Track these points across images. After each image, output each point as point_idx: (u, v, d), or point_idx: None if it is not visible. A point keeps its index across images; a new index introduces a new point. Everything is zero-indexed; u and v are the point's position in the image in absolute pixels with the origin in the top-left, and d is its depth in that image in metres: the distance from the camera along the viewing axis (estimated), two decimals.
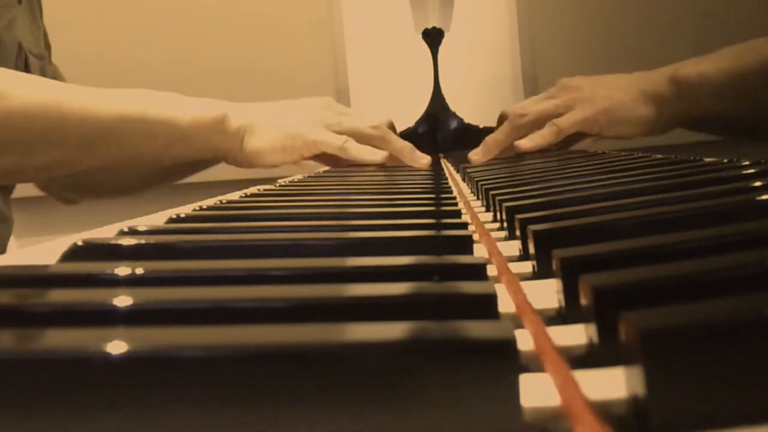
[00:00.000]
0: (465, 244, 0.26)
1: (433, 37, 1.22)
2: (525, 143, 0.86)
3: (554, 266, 0.21)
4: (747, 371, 0.12)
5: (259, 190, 0.57)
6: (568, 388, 0.14)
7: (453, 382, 0.13)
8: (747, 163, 0.41)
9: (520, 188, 0.43)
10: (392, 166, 0.84)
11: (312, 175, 0.79)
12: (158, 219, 0.38)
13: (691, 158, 0.51)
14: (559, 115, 0.86)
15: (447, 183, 0.60)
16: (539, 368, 0.16)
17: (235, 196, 0.52)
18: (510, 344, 0.13)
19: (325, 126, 0.83)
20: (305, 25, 1.51)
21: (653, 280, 0.17)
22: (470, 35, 1.45)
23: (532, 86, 1.44)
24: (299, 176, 0.79)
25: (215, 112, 0.79)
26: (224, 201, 0.46)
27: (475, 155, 0.87)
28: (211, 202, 0.47)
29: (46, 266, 0.24)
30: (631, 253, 0.20)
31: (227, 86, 1.44)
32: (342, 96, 1.48)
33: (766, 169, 0.37)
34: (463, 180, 0.68)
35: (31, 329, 0.16)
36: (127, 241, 0.27)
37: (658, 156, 0.58)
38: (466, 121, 1.22)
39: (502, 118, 0.92)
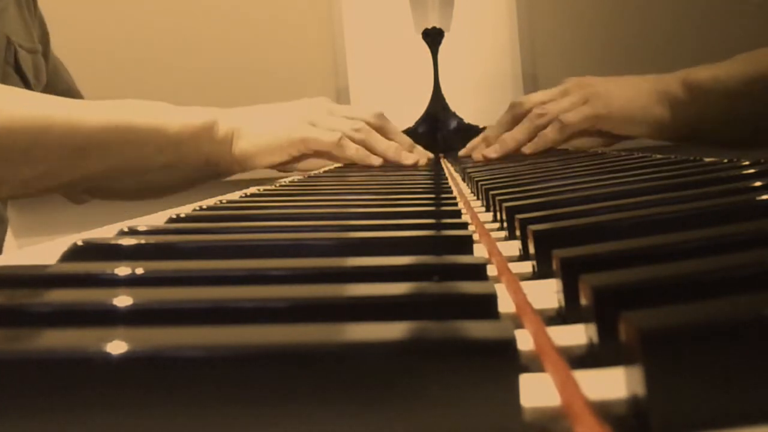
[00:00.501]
0: (465, 244, 0.26)
1: (433, 37, 1.22)
2: (529, 148, 0.86)
3: (554, 266, 0.21)
4: (747, 371, 0.12)
5: (259, 190, 0.57)
6: (568, 388, 0.14)
7: (453, 382, 0.13)
8: (747, 163, 0.41)
9: (520, 188, 0.43)
10: (392, 166, 0.84)
11: (312, 175, 0.79)
12: (158, 219, 0.38)
13: (691, 158, 0.51)
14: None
15: (447, 183, 0.60)
16: (539, 368, 0.16)
17: (235, 196, 0.52)
18: (510, 344, 0.13)
19: (310, 123, 0.83)
20: (305, 25, 1.51)
21: (653, 280, 0.17)
22: (470, 35, 1.45)
23: (532, 86, 1.44)
24: (299, 176, 0.79)
25: (204, 118, 0.79)
26: (224, 201, 0.46)
27: (493, 152, 0.86)
28: (211, 202, 0.47)
29: (46, 266, 0.24)
30: (631, 253, 0.20)
31: (227, 86, 1.44)
32: (342, 96, 1.48)
33: (766, 169, 0.37)
34: (463, 180, 0.68)
35: (31, 329, 0.16)
36: (127, 241, 0.27)
37: (658, 156, 0.58)
38: (466, 121, 1.22)
39: (514, 110, 0.90)
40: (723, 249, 0.20)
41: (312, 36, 1.50)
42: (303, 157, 0.84)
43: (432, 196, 0.45)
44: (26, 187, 0.73)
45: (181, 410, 0.13)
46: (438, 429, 0.13)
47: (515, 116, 0.89)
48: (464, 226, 0.31)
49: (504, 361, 0.13)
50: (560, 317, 0.20)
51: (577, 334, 0.18)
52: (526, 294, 0.21)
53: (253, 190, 0.58)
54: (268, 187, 0.60)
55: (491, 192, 0.41)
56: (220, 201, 0.46)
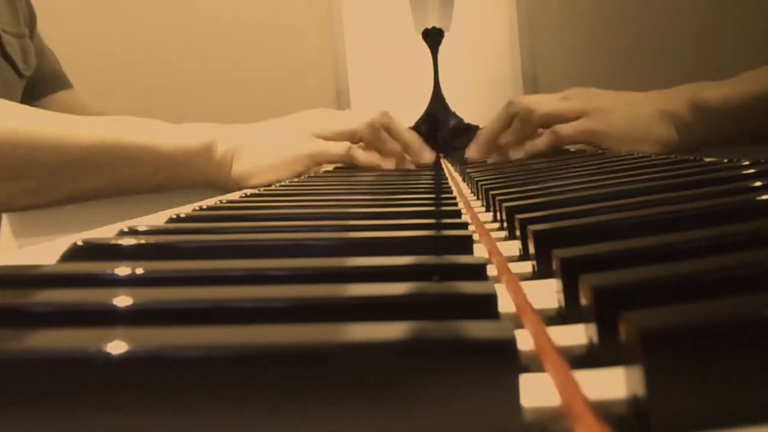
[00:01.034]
0: (465, 244, 0.26)
1: (433, 37, 1.22)
2: (518, 155, 0.83)
3: (554, 266, 0.21)
4: (747, 371, 0.12)
5: (259, 190, 0.57)
6: (568, 388, 0.14)
7: (453, 382, 0.13)
8: (747, 163, 0.41)
9: (520, 188, 0.43)
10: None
11: (312, 175, 0.79)
12: (158, 219, 0.38)
13: (691, 158, 0.51)
14: (571, 119, 0.82)
15: (447, 183, 0.60)
16: (539, 368, 0.16)
17: (235, 196, 0.52)
18: (510, 344, 0.13)
19: (316, 134, 0.80)
20: (305, 25, 1.51)
21: (653, 280, 0.17)
22: (470, 35, 1.45)
23: (532, 86, 1.44)
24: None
25: (202, 139, 0.77)
26: (224, 201, 0.46)
27: (474, 152, 0.84)
28: (211, 202, 0.47)
29: (46, 266, 0.24)
30: (631, 253, 0.20)
31: (227, 86, 1.44)
32: (342, 96, 1.48)
33: (766, 169, 0.37)
34: (463, 180, 0.68)
35: (31, 329, 0.16)
36: (127, 241, 0.27)
37: (658, 156, 0.58)
38: (466, 121, 1.22)
39: (508, 108, 0.86)
40: (723, 249, 0.20)
41: (312, 36, 1.50)
42: (310, 170, 0.82)
43: (432, 196, 0.45)
44: (10, 203, 0.72)
45: (181, 410, 0.13)
46: (438, 429, 0.13)
47: (510, 115, 0.86)
48: (464, 226, 0.31)
49: (504, 361, 0.13)
50: (560, 317, 0.20)
51: (577, 334, 0.18)
52: (526, 294, 0.21)
53: (253, 190, 0.58)
54: (268, 187, 0.60)
55: (491, 192, 0.41)
56: (220, 201, 0.46)
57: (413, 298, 0.18)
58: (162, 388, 0.13)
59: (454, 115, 1.22)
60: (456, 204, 0.40)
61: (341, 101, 1.46)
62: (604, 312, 0.16)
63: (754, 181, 0.33)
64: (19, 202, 0.72)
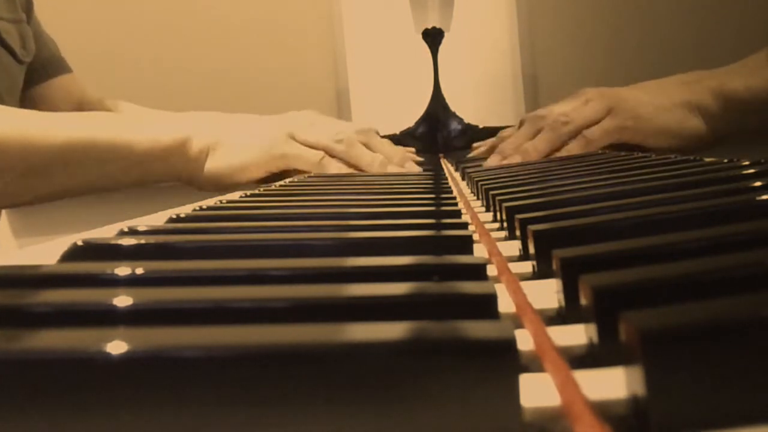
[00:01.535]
0: (465, 244, 0.26)
1: (433, 37, 1.22)
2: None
3: (554, 266, 0.21)
4: (747, 371, 0.12)
5: (259, 190, 0.57)
6: (568, 388, 0.14)
7: (453, 382, 0.13)
8: (747, 163, 0.41)
9: (520, 188, 0.43)
10: None
11: (312, 175, 0.79)
12: (158, 219, 0.38)
13: (691, 158, 0.51)
14: (600, 120, 0.77)
15: (447, 183, 0.60)
16: (539, 368, 0.16)
17: (235, 196, 0.52)
18: (510, 344, 0.13)
19: (291, 136, 0.77)
20: (305, 25, 1.51)
21: (653, 280, 0.17)
22: (470, 35, 1.45)
23: (532, 86, 1.44)
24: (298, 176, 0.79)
25: (176, 134, 0.74)
26: (224, 201, 0.46)
27: (515, 162, 0.77)
28: (211, 202, 0.47)
29: (46, 266, 0.24)
30: (631, 253, 0.20)
31: (227, 86, 1.44)
32: (342, 96, 1.48)
33: (766, 169, 0.37)
34: (463, 180, 0.68)
35: (31, 329, 0.16)
36: (127, 241, 0.27)
37: (658, 156, 0.58)
38: (466, 121, 1.22)
39: (536, 123, 0.80)
40: (723, 249, 0.20)
41: (312, 37, 1.50)
42: (285, 173, 0.78)
43: (432, 196, 0.45)
44: None
45: (181, 410, 0.13)
46: (438, 429, 0.13)
47: (538, 130, 0.81)
48: (464, 226, 0.31)
49: (504, 361, 0.13)
50: (560, 317, 0.20)
51: (577, 334, 0.18)
52: (526, 294, 0.21)
53: (253, 190, 0.58)
54: (268, 187, 0.60)
55: (491, 192, 0.41)
56: (220, 201, 0.46)
57: (413, 298, 0.18)
58: (162, 388, 0.13)
59: (454, 115, 1.22)
60: (456, 204, 0.40)
61: (341, 101, 1.46)
62: (604, 312, 0.16)
63: (754, 181, 0.33)
64: None
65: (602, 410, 0.13)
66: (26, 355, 0.14)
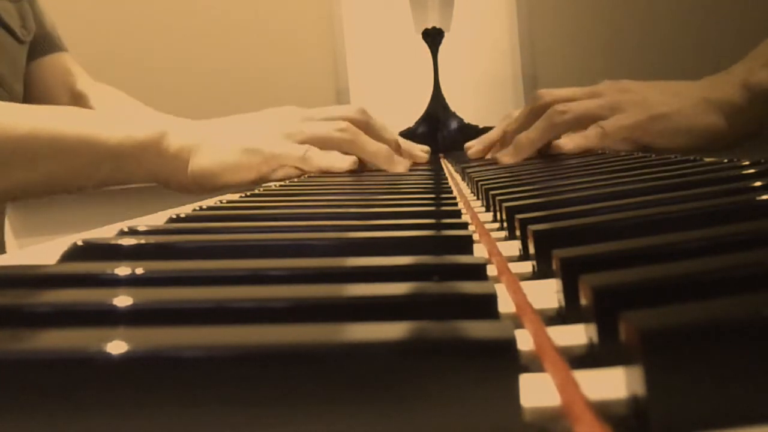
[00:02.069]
0: (465, 244, 0.26)
1: (433, 37, 1.22)
2: (566, 144, 0.76)
3: (554, 266, 0.21)
4: (747, 371, 0.12)
5: (259, 190, 0.57)
6: (568, 388, 0.14)
7: (453, 382, 0.13)
8: (747, 163, 0.41)
9: (520, 188, 0.43)
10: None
11: (312, 175, 0.79)
12: (158, 219, 0.38)
13: (691, 158, 0.51)
14: (603, 117, 0.75)
15: (447, 183, 0.60)
16: (539, 368, 0.16)
17: (235, 196, 0.52)
18: (510, 344, 0.13)
19: (285, 135, 0.73)
20: (305, 25, 1.51)
21: (653, 280, 0.17)
22: (470, 35, 1.45)
23: (532, 86, 1.44)
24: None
25: (150, 130, 0.70)
26: (224, 201, 0.46)
27: (505, 156, 0.76)
28: (211, 202, 0.47)
29: (46, 266, 0.24)
30: (631, 253, 0.20)
31: (227, 86, 1.44)
32: (342, 96, 1.48)
33: (766, 169, 0.37)
34: (463, 180, 0.68)
35: (31, 329, 0.16)
36: (127, 241, 0.27)
37: (658, 156, 0.58)
38: (466, 121, 1.22)
39: (532, 103, 0.79)
40: (723, 249, 0.20)
41: (312, 36, 1.50)
42: (274, 172, 0.74)
43: (432, 196, 0.45)
44: None
45: (181, 410, 0.13)
46: (438, 429, 0.13)
47: (533, 110, 0.79)
48: (464, 226, 0.31)
49: (504, 361, 0.13)
50: (560, 317, 0.20)
51: (577, 334, 0.18)
52: (526, 294, 0.21)
53: (253, 190, 0.58)
54: (268, 187, 0.60)
55: (491, 192, 0.41)
56: (220, 201, 0.46)
57: (413, 298, 0.18)
58: (162, 389, 0.13)
59: (453, 115, 1.22)
60: (456, 204, 0.40)
61: (341, 101, 1.46)
62: (604, 312, 0.16)
63: (754, 181, 0.33)
64: None
65: (602, 410, 0.13)
66: (26, 355, 0.14)
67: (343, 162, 0.72)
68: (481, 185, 0.48)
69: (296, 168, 0.74)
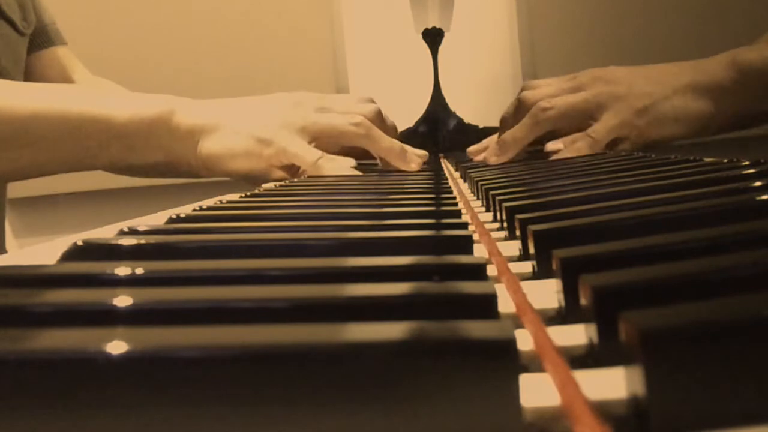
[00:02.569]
0: (465, 244, 0.26)
1: (433, 37, 1.22)
2: (560, 151, 0.75)
3: (554, 266, 0.21)
4: (747, 371, 0.12)
5: (259, 190, 0.57)
6: (568, 388, 0.14)
7: (453, 382, 0.13)
8: (747, 163, 0.41)
9: (520, 188, 0.43)
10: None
11: (311, 175, 0.79)
12: (158, 219, 0.38)
13: (691, 158, 0.51)
14: (588, 111, 0.74)
15: (447, 183, 0.60)
16: (539, 368, 0.16)
17: (235, 196, 0.52)
18: (510, 344, 0.13)
19: (299, 128, 0.71)
20: (305, 25, 1.51)
21: (653, 280, 0.17)
22: (470, 35, 1.45)
23: None
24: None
25: (158, 108, 0.68)
26: (224, 201, 0.46)
27: (492, 156, 0.76)
28: (211, 202, 0.47)
29: (46, 266, 0.24)
30: (631, 253, 0.20)
31: (227, 86, 1.44)
32: None
33: (766, 169, 0.37)
34: (464, 180, 0.68)
35: (31, 329, 0.16)
36: (127, 241, 0.27)
37: (658, 156, 0.58)
38: (466, 121, 1.22)
39: (521, 104, 0.79)
40: (723, 249, 0.20)
41: (312, 36, 1.50)
42: (275, 169, 0.72)
43: (432, 196, 0.45)
44: None
45: (180, 410, 0.13)
46: (438, 429, 0.13)
47: (519, 109, 0.79)
48: (464, 226, 0.31)
49: (504, 361, 0.13)
50: (560, 317, 0.20)
51: (577, 334, 0.18)
52: (526, 294, 0.21)
53: (253, 190, 0.58)
54: (268, 187, 0.60)
55: (491, 192, 0.41)
56: (220, 201, 0.46)
57: (413, 298, 0.18)
58: (162, 388, 0.13)
59: (454, 115, 1.22)
60: (456, 204, 0.40)
61: None
62: (604, 312, 0.16)
63: (754, 181, 0.33)
64: None
65: (602, 410, 0.13)
66: (26, 355, 0.14)
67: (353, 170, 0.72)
68: (481, 185, 0.48)
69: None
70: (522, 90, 0.81)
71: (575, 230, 0.25)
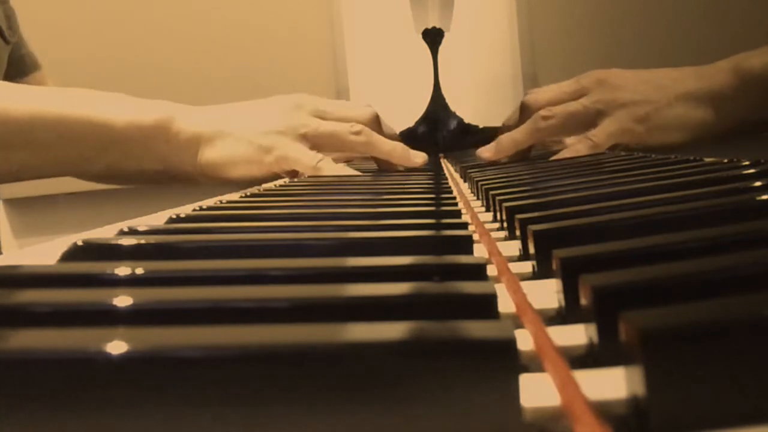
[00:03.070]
0: (465, 244, 0.26)
1: (433, 37, 1.22)
2: (560, 152, 0.76)
3: (554, 266, 0.21)
4: (747, 371, 0.12)
5: (259, 190, 0.57)
6: (568, 388, 0.14)
7: (453, 382, 0.13)
8: (747, 163, 0.41)
9: (520, 188, 0.43)
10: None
11: (311, 175, 0.79)
12: (158, 219, 0.38)
13: (691, 158, 0.51)
14: (588, 118, 0.75)
15: (447, 183, 0.60)
16: (539, 368, 0.16)
17: (235, 196, 0.52)
18: (510, 344, 0.13)
19: (300, 135, 0.72)
20: (305, 25, 1.51)
21: (653, 280, 0.17)
22: (470, 35, 1.45)
23: (532, 86, 1.44)
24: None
25: (157, 114, 0.68)
26: (224, 201, 0.46)
27: (486, 152, 0.76)
28: (211, 202, 0.47)
29: (46, 266, 0.24)
30: (631, 253, 0.20)
31: (227, 86, 1.44)
32: (342, 96, 1.48)
33: (766, 169, 0.37)
34: (464, 180, 0.68)
35: (31, 329, 0.16)
36: (127, 241, 0.27)
37: (658, 156, 0.58)
38: (466, 121, 1.22)
39: (524, 108, 0.80)
40: (723, 249, 0.20)
41: (312, 36, 1.50)
42: (276, 175, 0.73)
43: (432, 196, 0.45)
44: None
45: (181, 410, 0.13)
46: (438, 429, 0.13)
47: (521, 115, 0.80)
48: (464, 226, 0.31)
49: (504, 361, 0.13)
50: (560, 317, 0.20)
51: (577, 334, 0.18)
52: (526, 294, 0.21)
53: (253, 190, 0.58)
54: (268, 187, 0.60)
55: (491, 192, 0.41)
56: (220, 201, 0.46)
57: (413, 298, 0.18)
58: (162, 389, 0.13)
59: (454, 115, 1.22)
60: (456, 204, 0.40)
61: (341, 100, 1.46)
62: (604, 312, 0.16)
63: (754, 181, 0.33)
64: None
65: (602, 410, 0.13)
66: (26, 355, 0.14)
67: (353, 171, 0.73)
68: (481, 185, 0.48)
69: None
70: (521, 105, 0.82)
71: (575, 230, 0.25)
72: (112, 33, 1.48)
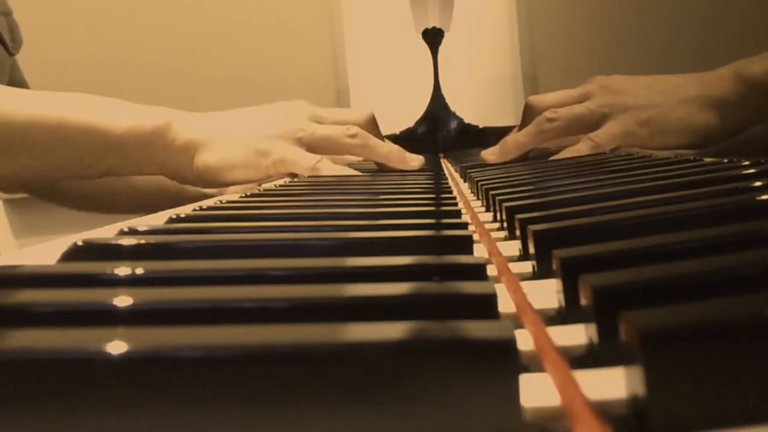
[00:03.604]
0: (465, 244, 0.26)
1: (433, 37, 1.22)
2: (560, 152, 0.76)
3: (554, 266, 0.21)
4: (747, 371, 0.12)
5: (258, 190, 0.57)
6: (568, 388, 0.14)
7: (453, 383, 0.13)
8: (747, 163, 0.41)
9: (520, 188, 0.43)
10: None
11: (311, 175, 0.78)
12: (158, 219, 0.38)
13: (691, 158, 0.51)
14: (593, 121, 0.75)
15: (447, 183, 0.60)
16: (539, 368, 0.16)
17: (235, 196, 0.52)
18: (510, 344, 0.13)
19: (297, 138, 0.72)
20: (305, 25, 1.51)
21: (653, 280, 0.17)
22: (470, 35, 1.45)
23: (532, 86, 1.44)
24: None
25: (156, 121, 0.68)
26: (224, 201, 0.46)
27: (490, 155, 0.77)
28: (211, 202, 0.47)
29: (46, 266, 0.24)
30: (631, 253, 0.20)
31: (227, 87, 1.44)
32: (342, 96, 1.48)
33: (766, 169, 0.37)
34: (464, 180, 0.68)
35: (31, 329, 0.16)
36: (127, 241, 0.27)
37: (658, 156, 0.58)
38: (466, 121, 1.22)
39: (528, 110, 0.80)
40: (723, 249, 0.20)
41: (312, 36, 1.50)
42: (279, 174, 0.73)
43: (432, 196, 0.45)
44: None
45: (181, 410, 0.13)
46: (438, 429, 0.13)
47: (525, 117, 0.80)
48: (464, 226, 0.31)
49: (504, 361, 0.13)
50: (560, 317, 0.20)
51: (577, 334, 0.18)
52: (526, 294, 0.21)
53: (253, 190, 0.58)
54: (268, 187, 0.60)
55: (491, 192, 0.41)
56: (220, 201, 0.46)
57: (413, 298, 0.18)
58: (162, 388, 0.13)
59: (453, 115, 1.22)
60: (456, 204, 0.40)
61: (341, 101, 1.46)
62: (604, 312, 0.16)
63: (754, 181, 0.33)
64: None
65: (602, 410, 0.13)
66: (26, 355, 0.14)
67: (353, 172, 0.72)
68: (481, 185, 0.48)
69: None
70: (525, 106, 0.82)
71: (575, 230, 0.25)
72: (112, 33, 1.48)
